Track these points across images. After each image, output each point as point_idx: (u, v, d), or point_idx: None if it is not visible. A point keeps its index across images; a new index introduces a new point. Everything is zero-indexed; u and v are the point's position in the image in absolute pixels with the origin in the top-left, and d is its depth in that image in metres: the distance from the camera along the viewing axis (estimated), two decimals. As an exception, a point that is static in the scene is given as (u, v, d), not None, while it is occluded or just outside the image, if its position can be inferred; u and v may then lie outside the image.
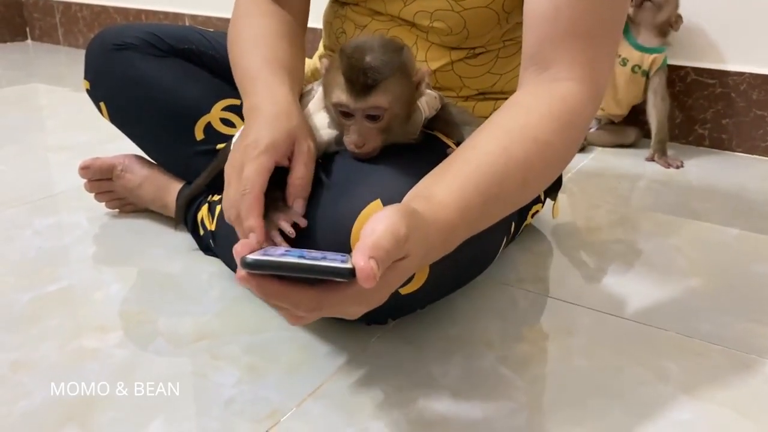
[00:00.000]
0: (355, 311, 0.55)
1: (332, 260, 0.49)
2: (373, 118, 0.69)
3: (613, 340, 0.77)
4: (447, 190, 0.60)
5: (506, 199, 0.65)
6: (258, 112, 0.71)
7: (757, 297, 0.87)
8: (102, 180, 1.07)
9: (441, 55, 0.85)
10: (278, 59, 0.78)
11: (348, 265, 0.47)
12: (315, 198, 0.69)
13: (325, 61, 0.72)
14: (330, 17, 0.93)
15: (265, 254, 0.50)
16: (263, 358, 0.73)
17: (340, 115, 0.70)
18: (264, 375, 0.70)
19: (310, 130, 0.72)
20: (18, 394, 0.66)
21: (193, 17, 2.24)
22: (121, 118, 1.01)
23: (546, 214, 1.07)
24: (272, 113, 0.70)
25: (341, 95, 0.68)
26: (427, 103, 0.76)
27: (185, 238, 0.99)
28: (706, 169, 1.39)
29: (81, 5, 2.54)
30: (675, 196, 1.24)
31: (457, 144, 0.77)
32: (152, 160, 1.05)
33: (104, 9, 2.47)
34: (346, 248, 0.64)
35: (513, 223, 0.88)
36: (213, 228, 0.90)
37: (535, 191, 0.70)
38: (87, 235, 1.03)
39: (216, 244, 0.91)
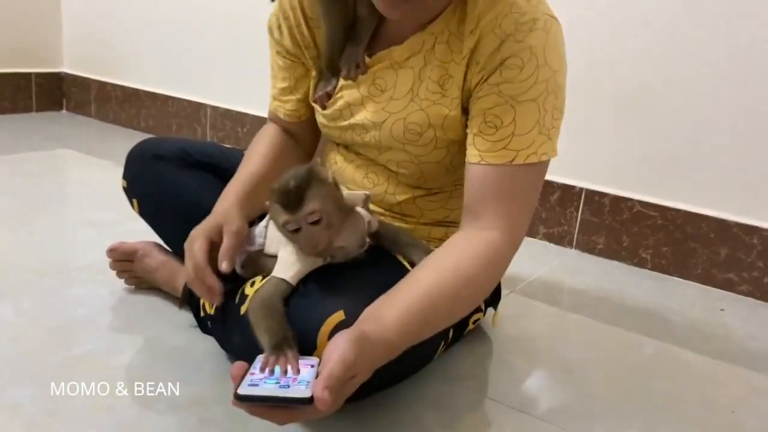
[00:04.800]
0: (318, 416, 0.77)
1: (297, 389, 0.72)
2: (314, 223, 0.86)
3: (522, 434, 0.97)
4: (392, 315, 0.81)
5: (438, 321, 0.87)
6: (206, 218, 1.01)
7: (647, 408, 1.07)
8: (124, 261, 1.29)
9: (406, 191, 1.09)
10: (246, 179, 1.07)
11: (308, 395, 0.70)
12: (295, 304, 0.90)
13: (267, 202, 0.89)
14: (327, 150, 1.19)
15: (251, 383, 0.73)
16: (240, 426, 0.92)
17: (291, 232, 0.88)
18: (241, 438, 0.89)
19: (238, 218, 0.98)
20: (50, 436, 0.86)
21: (214, 108, 2.52)
22: (149, 214, 1.23)
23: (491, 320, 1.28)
24: (213, 214, 1.01)
25: (284, 215, 0.86)
26: (370, 222, 0.98)
27: (187, 317, 1.20)
28: (640, 290, 1.60)
29: (115, 86, 2.84)
30: (607, 314, 1.45)
31: (410, 263, 0.99)
32: (168, 248, 1.27)
33: (135, 92, 2.76)
34: (314, 346, 0.84)
35: (451, 330, 1.09)
36: (212, 313, 1.11)
37: (463, 314, 0.92)
38: (107, 306, 1.24)
39: (212, 326, 1.12)
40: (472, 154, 0.95)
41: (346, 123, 1.07)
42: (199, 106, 2.57)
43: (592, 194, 1.79)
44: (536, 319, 1.39)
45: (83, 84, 2.96)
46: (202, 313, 1.15)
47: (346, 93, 1.05)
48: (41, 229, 1.61)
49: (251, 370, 0.76)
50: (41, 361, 1.03)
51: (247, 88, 2.39)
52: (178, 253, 1.25)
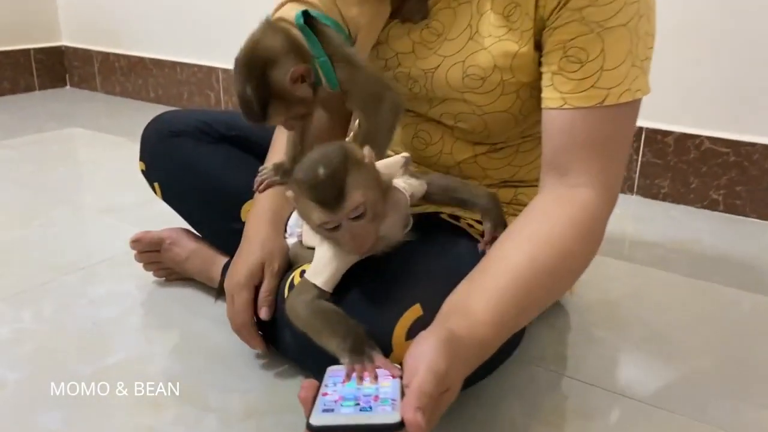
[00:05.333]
0: None
1: (382, 412, 0.57)
2: (357, 216, 0.69)
3: (627, 424, 0.83)
4: (483, 306, 0.67)
5: (535, 307, 0.73)
6: (245, 241, 0.91)
7: (765, 378, 0.93)
8: (151, 252, 1.15)
9: (465, 149, 0.93)
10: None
11: (397, 419, 0.56)
12: (354, 301, 0.75)
13: (289, 193, 0.73)
14: None
15: (325, 408, 0.59)
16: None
17: (329, 231, 0.70)
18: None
19: (279, 251, 0.89)
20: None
21: (226, 71, 2.35)
22: (173, 198, 1.09)
23: (565, 287, 1.14)
24: (254, 243, 0.90)
25: (323, 216, 0.68)
26: (412, 195, 0.79)
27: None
28: (719, 236, 1.44)
29: (118, 55, 2.67)
30: (689, 266, 1.30)
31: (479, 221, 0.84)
32: (198, 234, 1.13)
33: (140, 60, 2.59)
34: (388, 349, 0.71)
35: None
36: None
37: (561, 293, 0.78)
38: (136, 304, 1.11)
39: (258, 322, 0.98)
40: (551, 98, 0.79)
41: (389, 74, 0.91)
42: (210, 71, 2.40)
43: (653, 133, 1.61)
44: (612, 279, 1.24)
45: (85, 56, 2.80)
46: (244, 306, 1.02)
47: (394, 41, 0.88)
48: (55, 220, 1.47)
49: (323, 390, 0.62)
50: (70, 375, 0.91)
51: (260, 46, 2.21)
52: (209, 238, 1.11)
